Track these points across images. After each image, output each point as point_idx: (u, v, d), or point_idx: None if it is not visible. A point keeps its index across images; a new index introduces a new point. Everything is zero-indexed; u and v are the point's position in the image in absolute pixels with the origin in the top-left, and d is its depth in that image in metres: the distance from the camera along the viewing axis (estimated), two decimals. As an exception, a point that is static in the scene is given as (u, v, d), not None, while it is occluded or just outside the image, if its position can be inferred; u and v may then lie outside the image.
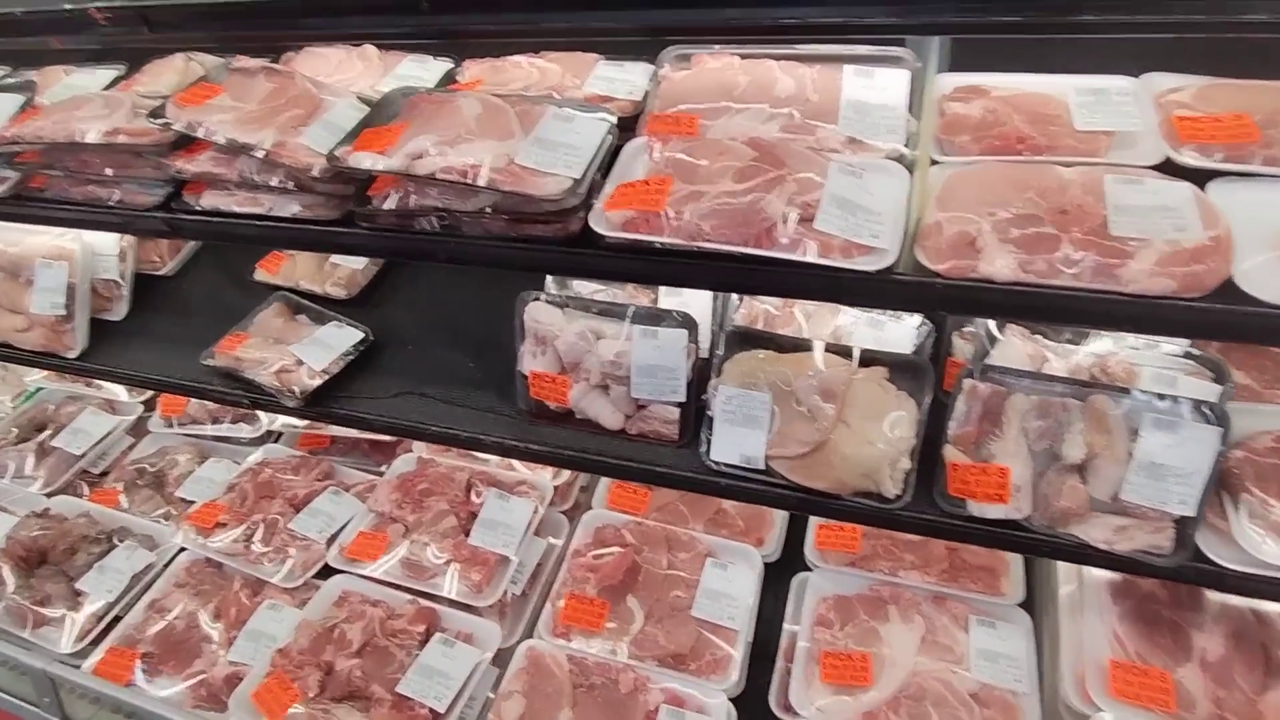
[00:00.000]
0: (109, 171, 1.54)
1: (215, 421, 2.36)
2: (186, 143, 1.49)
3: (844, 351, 1.40)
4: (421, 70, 1.58)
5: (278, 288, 2.02)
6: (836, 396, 1.33)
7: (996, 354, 1.35)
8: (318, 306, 1.93)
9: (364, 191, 1.36)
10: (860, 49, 1.28)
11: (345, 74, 1.59)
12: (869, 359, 1.39)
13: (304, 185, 1.39)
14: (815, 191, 1.09)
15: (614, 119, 1.26)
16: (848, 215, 1.07)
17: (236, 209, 1.46)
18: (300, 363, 1.73)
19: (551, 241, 1.24)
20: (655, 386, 1.48)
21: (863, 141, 1.19)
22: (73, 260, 1.97)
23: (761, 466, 1.39)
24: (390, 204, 1.29)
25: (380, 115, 1.35)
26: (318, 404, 1.73)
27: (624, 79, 1.39)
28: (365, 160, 1.24)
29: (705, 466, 1.45)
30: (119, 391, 2.56)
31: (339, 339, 1.79)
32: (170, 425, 2.34)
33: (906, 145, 1.19)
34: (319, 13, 1.28)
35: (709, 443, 1.44)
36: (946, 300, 1.06)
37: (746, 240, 1.07)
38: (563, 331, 1.52)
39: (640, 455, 1.51)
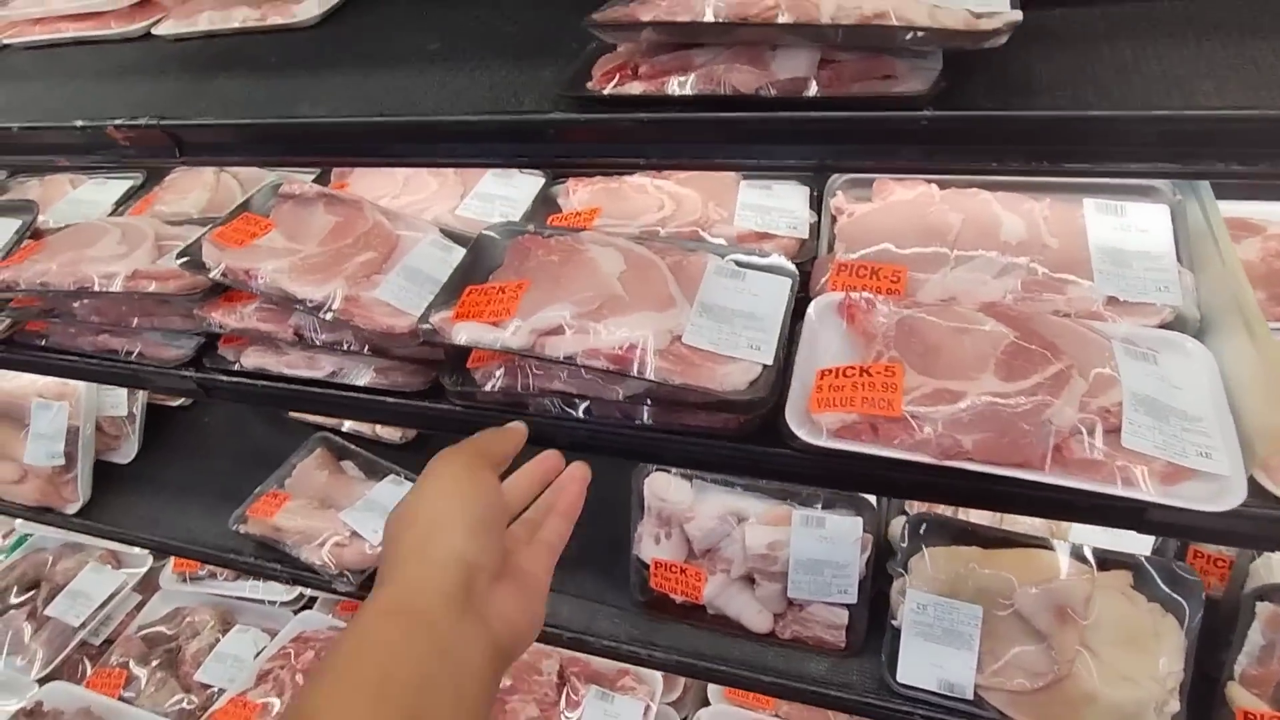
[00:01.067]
0: (131, 321, 1.24)
1: (242, 577, 2.03)
2: (225, 288, 1.20)
3: (1074, 551, 1.09)
4: (510, 189, 1.30)
5: (318, 426, 1.72)
6: (1076, 614, 1.03)
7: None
8: (367, 454, 1.62)
9: (459, 358, 1.07)
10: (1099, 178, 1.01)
11: (415, 195, 1.31)
12: (1105, 560, 1.09)
13: (380, 349, 1.10)
14: (1109, 390, 0.80)
15: (796, 274, 0.98)
16: (1160, 424, 0.78)
17: (288, 371, 1.16)
18: (355, 535, 1.42)
19: (719, 435, 0.95)
20: (818, 585, 1.17)
21: (1127, 302, 0.91)
22: (75, 399, 1.66)
23: (969, 696, 1.08)
24: (497, 384, 1.00)
25: (481, 263, 1.06)
26: (370, 586, 1.41)
27: (779, 207, 1.11)
28: (476, 334, 0.94)
29: (886, 688, 1.14)
30: (124, 539, 2.22)
31: (399, 498, 1.48)
32: (185, 581, 2.01)
33: (1183, 304, 0.91)
34: (405, 138, 1.00)
35: (892, 659, 1.13)
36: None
37: (1028, 461, 0.78)
38: (696, 512, 1.22)
39: (796, 667, 1.20)
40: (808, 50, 0.80)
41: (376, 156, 1.04)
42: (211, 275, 1.11)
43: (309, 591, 1.95)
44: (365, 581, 1.38)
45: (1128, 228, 0.96)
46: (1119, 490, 0.75)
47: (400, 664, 0.48)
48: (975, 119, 0.76)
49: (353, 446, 1.63)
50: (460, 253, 1.14)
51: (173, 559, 2.03)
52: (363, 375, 1.13)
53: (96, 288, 1.18)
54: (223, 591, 1.98)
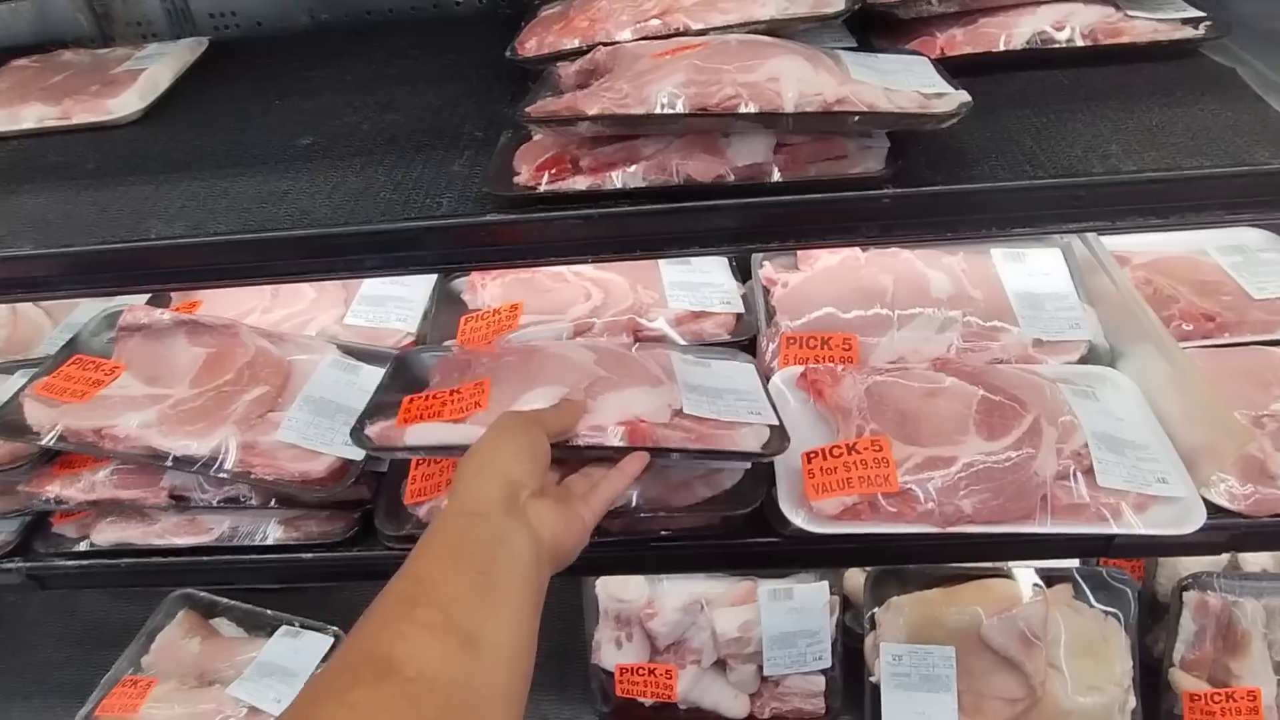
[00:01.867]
0: (-83, 513, 0.96)
1: None
2: (58, 453, 0.96)
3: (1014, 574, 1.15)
4: (400, 289, 1.17)
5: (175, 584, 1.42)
6: (1037, 636, 1.08)
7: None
8: (245, 605, 1.37)
9: (391, 495, 0.92)
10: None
11: (290, 307, 1.13)
12: (1048, 577, 1.15)
13: (287, 499, 0.92)
14: (1074, 434, 0.84)
15: (752, 360, 0.96)
16: (1121, 459, 0.84)
17: (160, 542, 0.95)
18: (252, 710, 1.19)
19: (703, 534, 0.89)
20: (793, 658, 1.15)
21: (1050, 342, 0.98)
22: None
23: (954, 737, 1.10)
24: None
25: (405, 383, 0.92)
26: (289, 765, 1.19)
27: (706, 283, 1.09)
28: (440, 434, 0.83)
29: (875, 746, 1.14)
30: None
31: (299, 654, 1.26)
32: None
33: (1094, 337, 1.00)
34: (304, 253, 0.85)
35: (875, 716, 1.13)
36: (1250, 540, 0.86)
37: (1025, 514, 0.80)
38: (657, 607, 1.15)
39: (782, 746, 1.16)
40: (765, 136, 0.78)
41: (260, 277, 0.88)
42: (44, 442, 0.88)
43: None
44: (277, 765, 1.16)
45: (1032, 272, 1.04)
46: (1110, 529, 0.80)
47: (468, 543, 0.64)
48: (932, 194, 0.78)
49: (225, 600, 1.38)
50: (368, 370, 0.99)
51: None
52: (267, 531, 0.94)
53: None
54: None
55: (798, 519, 0.82)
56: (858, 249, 1.08)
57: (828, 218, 0.79)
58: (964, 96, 0.75)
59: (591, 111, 0.75)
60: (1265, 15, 0.97)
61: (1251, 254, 1.11)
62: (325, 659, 1.26)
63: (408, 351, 0.99)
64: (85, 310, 1.24)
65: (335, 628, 1.31)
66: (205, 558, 0.95)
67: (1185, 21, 0.93)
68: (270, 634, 1.30)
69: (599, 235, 0.81)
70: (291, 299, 1.14)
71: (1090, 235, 1.06)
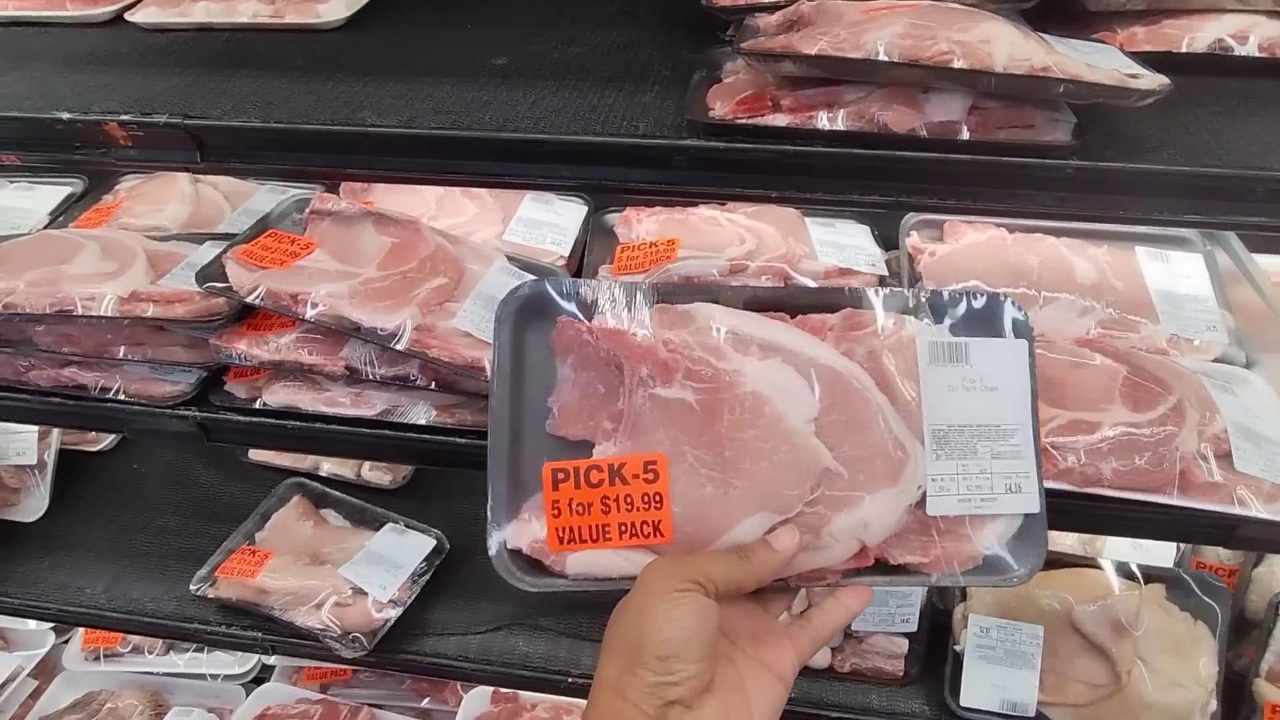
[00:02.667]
0: (113, 352, 1.05)
1: (176, 649, 1.71)
2: (244, 314, 1.04)
3: (1119, 568, 1.18)
4: (553, 215, 1.24)
5: (283, 470, 1.52)
6: (1130, 626, 1.11)
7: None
8: (354, 500, 1.46)
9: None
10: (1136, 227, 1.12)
11: (455, 218, 1.21)
12: (1145, 575, 1.18)
13: (448, 384, 0.99)
14: (1214, 420, 0.88)
15: (1029, 336, 0.74)
16: (1257, 449, 0.87)
17: (327, 409, 1.02)
18: (357, 591, 1.27)
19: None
20: (883, 616, 1.19)
21: (1187, 340, 1.01)
22: (-28, 445, 1.37)
23: (1031, 714, 1.13)
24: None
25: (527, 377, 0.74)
26: (385, 649, 1.26)
27: (851, 244, 1.14)
28: (607, 566, 0.66)
29: (949, 712, 1.17)
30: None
31: (403, 550, 1.34)
32: (98, 659, 1.68)
33: (1229, 342, 1.03)
34: (506, 156, 0.92)
35: (954, 683, 1.16)
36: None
37: (1159, 487, 0.83)
38: (757, 548, 1.19)
39: (859, 700, 1.21)
40: (961, 96, 0.83)
41: (462, 175, 0.95)
42: (248, 299, 0.96)
43: (269, 659, 1.69)
44: (379, 644, 1.23)
45: (1174, 274, 1.08)
46: (1241, 511, 0.83)
47: None
48: (1115, 170, 0.82)
49: (336, 493, 1.46)
50: (530, 280, 1.06)
51: (81, 633, 1.69)
52: (421, 413, 1.02)
53: (80, 311, 0.99)
54: (149, 668, 1.68)
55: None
56: (1004, 231, 1.12)
57: (1011, 181, 0.84)
58: (1162, 79, 0.79)
59: (810, 52, 0.81)
60: None
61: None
62: (428, 558, 1.33)
63: (510, 303, 0.75)
64: (261, 198, 1.33)
65: (438, 531, 1.38)
66: (365, 430, 1.02)
67: (1368, 44, 0.95)
68: (379, 528, 1.38)
69: (791, 170, 0.86)
70: (455, 210, 1.22)
71: (1237, 245, 1.09)
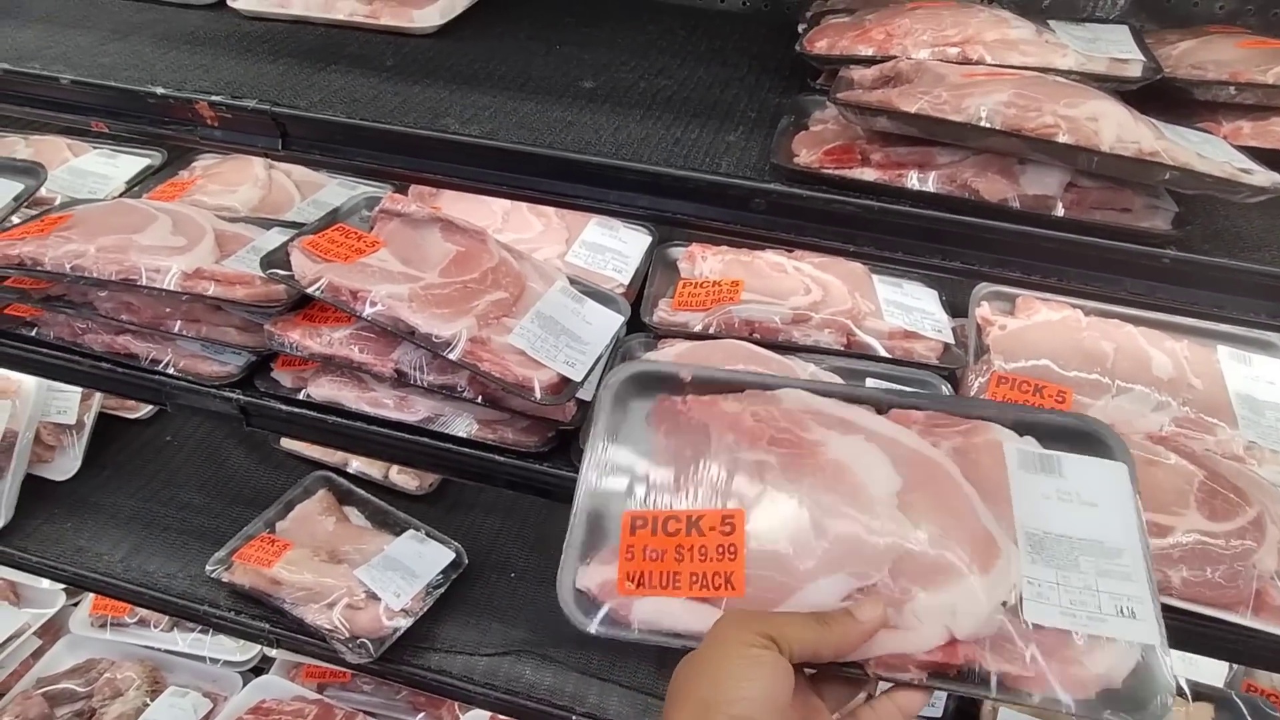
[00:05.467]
0: (170, 326, 1.05)
1: (179, 626, 1.70)
2: (302, 304, 1.05)
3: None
4: (617, 242, 1.23)
5: (313, 462, 1.51)
6: (1171, 747, 1.04)
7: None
8: (378, 501, 1.44)
9: (588, 418, 0.97)
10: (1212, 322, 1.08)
11: (520, 233, 1.21)
12: (1195, 691, 1.12)
13: (494, 400, 0.98)
14: (1295, 538, 0.82)
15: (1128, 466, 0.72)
16: (1340, 576, 0.82)
17: (370, 410, 1.01)
18: (370, 596, 1.24)
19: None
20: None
21: (1266, 449, 0.96)
22: (18, 397, 1.39)
23: (1054, 824, 1.06)
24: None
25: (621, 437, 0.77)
26: (390, 658, 1.24)
27: (918, 308, 1.11)
28: (674, 620, 0.64)
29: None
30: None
31: (422, 559, 1.32)
32: (104, 627, 1.68)
33: (1310, 459, 0.97)
34: (581, 178, 0.91)
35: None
36: None
37: (1232, 604, 0.78)
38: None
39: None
40: (1059, 171, 0.80)
41: (536, 193, 0.94)
42: (309, 290, 0.96)
43: (271, 652, 1.67)
44: (385, 653, 1.21)
45: (1257, 378, 1.03)
46: (1319, 642, 0.77)
47: None
48: (1212, 265, 0.79)
49: (360, 492, 1.45)
50: (591, 305, 1.05)
51: (91, 598, 1.69)
52: (463, 426, 1.00)
53: (145, 282, 0.99)
54: (152, 643, 1.67)
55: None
56: (1079, 312, 1.08)
57: (1102, 264, 0.81)
58: (1277, 177, 0.75)
59: (909, 110, 0.79)
60: None
61: None
62: (445, 570, 1.31)
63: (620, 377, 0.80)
64: (331, 191, 1.34)
65: (458, 544, 1.36)
66: (404, 435, 1.01)
67: None
68: (399, 533, 1.36)
69: (872, 226, 0.84)
70: (521, 225, 1.22)
71: (1327, 359, 1.04)
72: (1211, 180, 0.75)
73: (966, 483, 0.64)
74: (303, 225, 1.08)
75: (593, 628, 0.63)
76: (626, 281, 1.17)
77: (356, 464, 1.50)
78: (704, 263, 1.14)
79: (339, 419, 1.03)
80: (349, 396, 1.02)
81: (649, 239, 1.25)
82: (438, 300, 0.95)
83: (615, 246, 1.21)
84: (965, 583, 0.60)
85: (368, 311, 0.95)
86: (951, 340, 1.08)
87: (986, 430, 0.69)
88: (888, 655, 0.59)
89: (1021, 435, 0.71)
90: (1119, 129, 0.76)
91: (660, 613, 0.62)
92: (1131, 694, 0.60)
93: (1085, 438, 0.72)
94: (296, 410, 1.04)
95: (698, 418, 0.71)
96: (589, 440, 0.74)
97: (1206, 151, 0.79)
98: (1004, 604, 0.60)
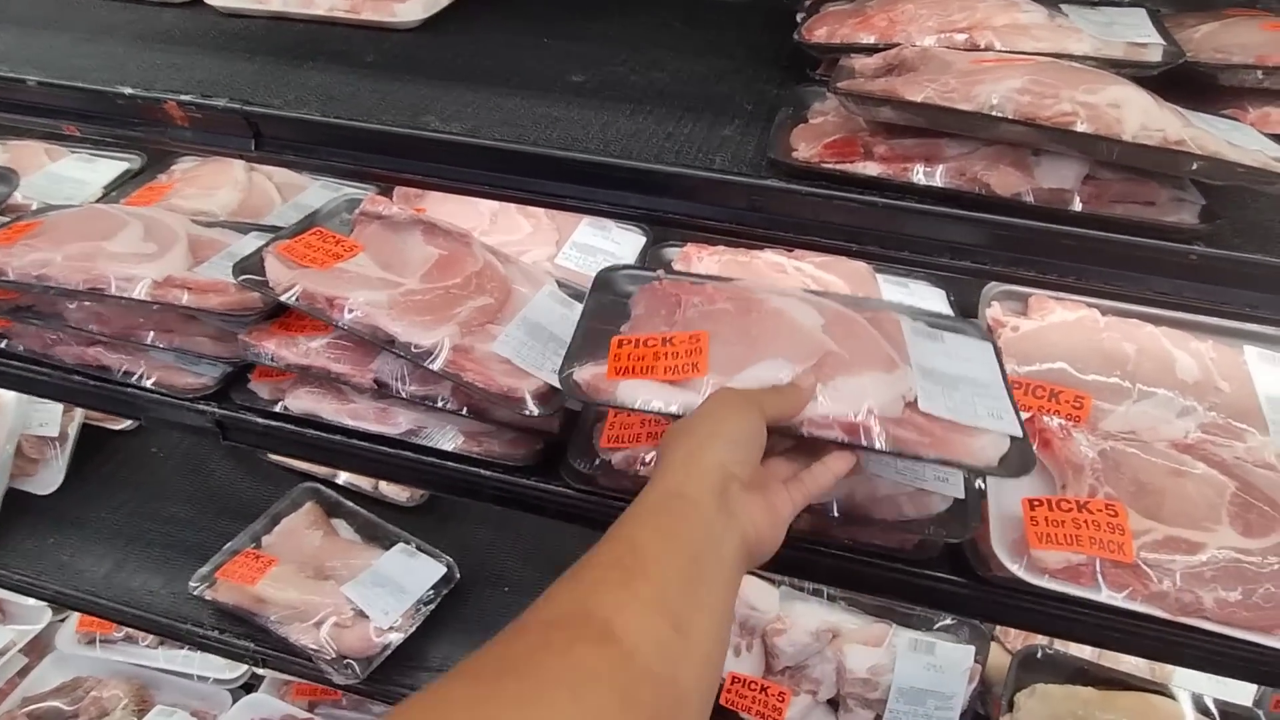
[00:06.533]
0: (142, 337, 1.01)
1: (167, 643, 1.65)
2: (279, 312, 1.00)
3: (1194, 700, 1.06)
4: (610, 244, 1.18)
5: (302, 474, 1.47)
6: (1196, 769, 0.99)
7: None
8: (367, 514, 1.40)
9: (585, 433, 0.92)
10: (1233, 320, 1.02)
11: (508, 235, 1.16)
12: (1224, 711, 1.06)
13: (479, 411, 0.93)
14: (1335, 554, 0.77)
15: (992, 336, 0.91)
16: (1387, 597, 0.76)
17: (350, 422, 0.97)
18: (359, 615, 1.20)
19: (892, 555, 0.85)
20: (918, 715, 1.08)
21: (1298, 457, 0.90)
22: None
23: None
24: (642, 470, 0.86)
25: (606, 311, 0.91)
26: (379, 678, 1.19)
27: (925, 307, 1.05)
28: (656, 395, 0.78)
29: (983, 835, 1.06)
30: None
31: (412, 574, 1.27)
32: (92, 644, 1.64)
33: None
34: (568, 177, 0.86)
35: (991, 804, 1.05)
36: None
37: (1271, 626, 0.73)
38: (788, 624, 1.10)
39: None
40: (1076, 163, 0.75)
41: (523, 192, 0.89)
42: (283, 298, 0.91)
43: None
44: (374, 673, 1.16)
45: (1286, 380, 0.97)
46: (1363, 667, 0.72)
47: (681, 527, 0.60)
48: (1245, 262, 0.73)
49: (349, 504, 1.40)
50: (580, 310, 0.99)
51: (76, 616, 1.65)
52: (447, 438, 0.95)
53: (114, 291, 0.95)
54: (139, 660, 1.62)
55: (1014, 566, 0.77)
56: (1096, 312, 1.03)
57: (1125, 262, 0.75)
58: (1317, 166, 0.70)
59: (915, 99, 0.73)
60: None
61: None
62: (435, 586, 1.26)
63: (612, 270, 0.97)
64: (312, 193, 1.30)
65: (449, 558, 1.31)
66: (386, 448, 0.96)
67: None
68: (389, 547, 1.32)
69: (875, 225, 0.79)
70: (509, 227, 1.17)
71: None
72: (1244, 170, 0.69)
73: (873, 329, 0.85)
74: (280, 229, 1.04)
75: (580, 398, 0.80)
76: (620, 284, 1.12)
77: (345, 475, 1.45)
78: (699, 264, 1.09)
79: (318, 432, 0.98)
80: (328, 409, 0.97)
81: (643, 239, 1.20)
82: (418, 307, 0.90)
83: (608, 248, 1.16)
84: (874, 376, 0.79)
85: (345, 319, 0.90)
86: (960, 343, 1.02)
87: (893, 313, 0.90)
88: (817, 417, 0.75)
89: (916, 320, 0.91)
90: (1143, 116, 0.70)
91: (638, 389, 0.79)
92: (1006, 468, 0.75)
93: (964, 328, 0.92)
94: (273, 423, 0.99)
95: (671, 290, 0.91)
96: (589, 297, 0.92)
97: (1236, 140, 0.73)
98: (904, 398, 0.78)
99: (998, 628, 1.20)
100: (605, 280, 0.96)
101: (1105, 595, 0.74)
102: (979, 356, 0.86)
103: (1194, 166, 0.70)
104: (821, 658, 1.09)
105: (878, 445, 0.74)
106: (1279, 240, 0.75)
